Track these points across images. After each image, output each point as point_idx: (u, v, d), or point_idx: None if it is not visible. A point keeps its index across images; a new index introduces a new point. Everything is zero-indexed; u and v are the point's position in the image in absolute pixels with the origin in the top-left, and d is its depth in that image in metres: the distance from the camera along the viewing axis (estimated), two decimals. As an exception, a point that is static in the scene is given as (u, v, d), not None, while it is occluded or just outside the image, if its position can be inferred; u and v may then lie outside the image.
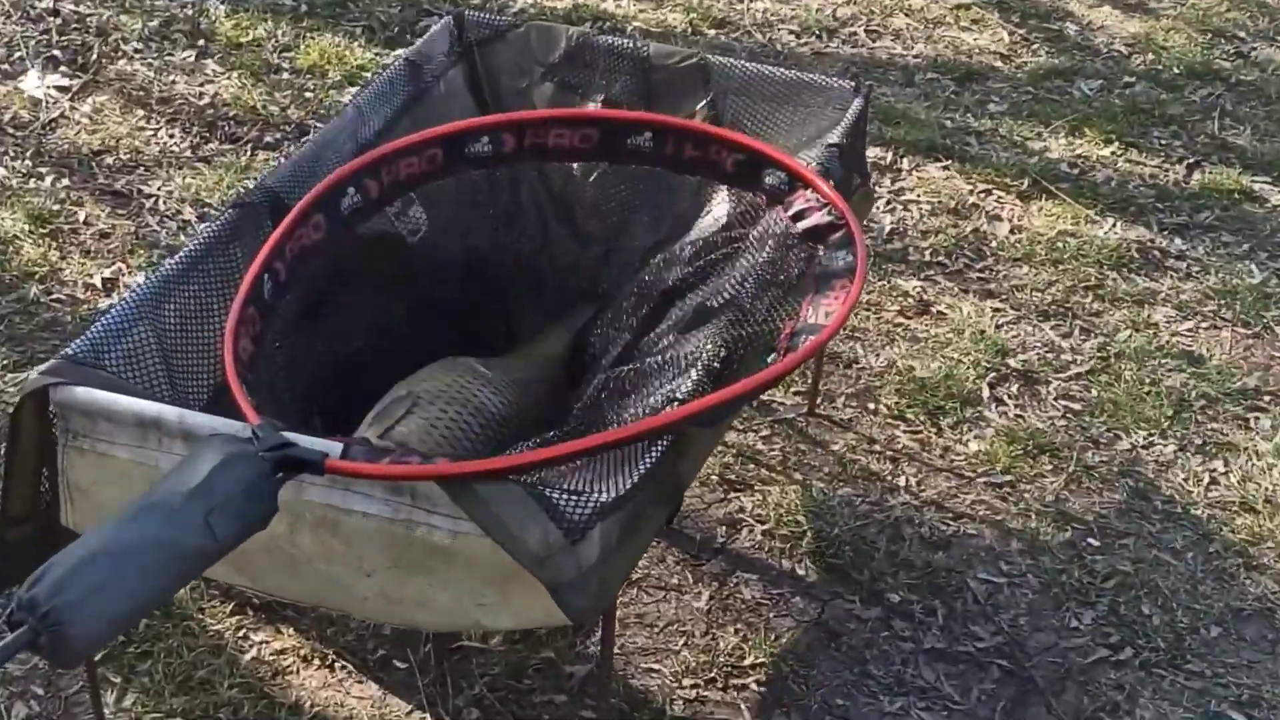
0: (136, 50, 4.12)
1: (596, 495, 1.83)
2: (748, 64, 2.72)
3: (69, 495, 1.97)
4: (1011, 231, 3.65)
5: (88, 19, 4.23)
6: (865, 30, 4.51)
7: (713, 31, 4.45)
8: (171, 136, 3.81)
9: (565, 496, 1.80)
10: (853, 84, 2.64)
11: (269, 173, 2.42)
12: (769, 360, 2.06)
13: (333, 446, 1.80)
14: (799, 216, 2.26)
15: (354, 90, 3.98)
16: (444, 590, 1.88)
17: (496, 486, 1.78)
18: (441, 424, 2.16)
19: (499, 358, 2.41)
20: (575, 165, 2.62)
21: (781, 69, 2.73)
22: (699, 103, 2.69)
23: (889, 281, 3.45)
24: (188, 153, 3.75)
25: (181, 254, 2.21)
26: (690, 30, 4.42)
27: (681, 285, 2.39)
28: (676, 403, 1.97)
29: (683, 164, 2.46)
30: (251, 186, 2.37)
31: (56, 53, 4.07)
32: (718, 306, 2.25)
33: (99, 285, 3.29)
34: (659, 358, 2.16)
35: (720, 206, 2.51)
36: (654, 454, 1.91)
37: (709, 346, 2.10)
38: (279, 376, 2.18)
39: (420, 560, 1.85)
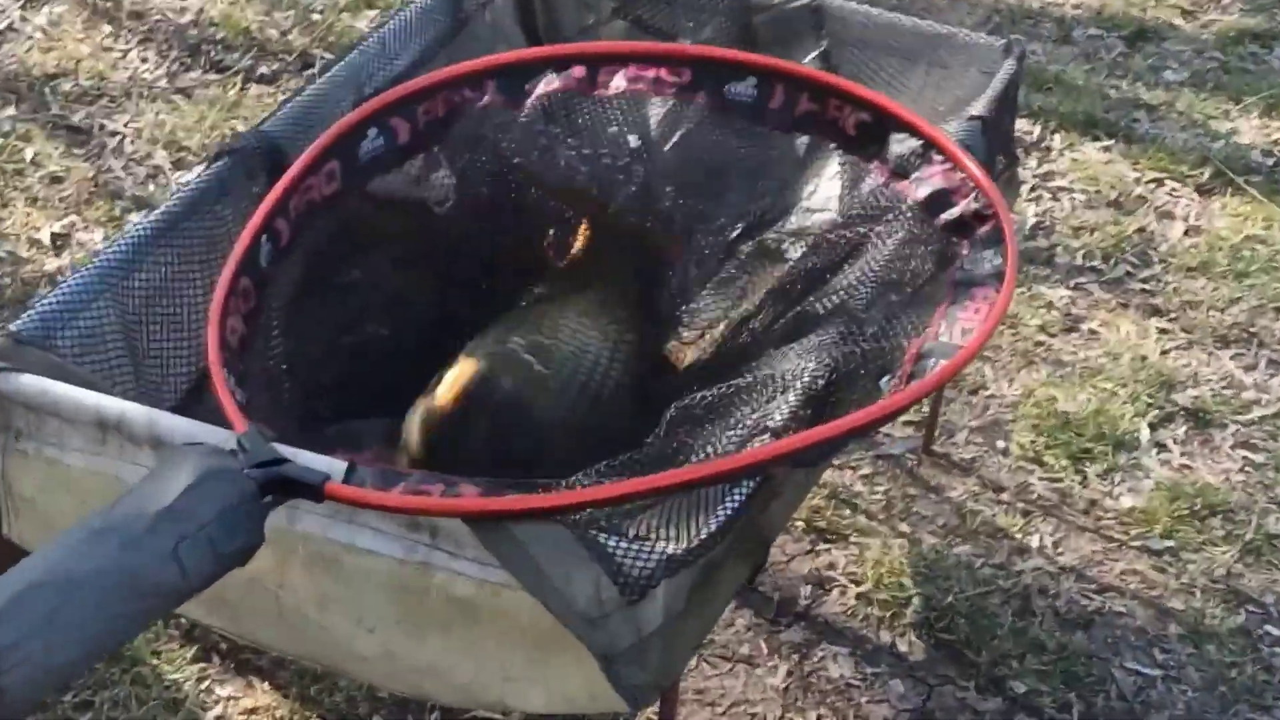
0: (107, -49, 4.15)
1: (662, 544, 1.81)
2: (872, 10, 2.71)
3: (11, 504, 1.97)
4: (1186, 233, 3.62)
5: (48, -91, 4.26)
6: (1014, -30, 4.49)
7: (825, -38, 4.43)
8: (144, 61, 3.83)
9: (624, 544, 1.78)
10: (1003, 43, 2.62)
11: (266, 116, 2.42)
12: (884, 385, 2.03)
13: (335, 466, 1.79)
14: (936, 201, 2.23)
15: (373, 15, 3.99)
16: (463, 656, 1.86)
17: (539, 528, 1.77)
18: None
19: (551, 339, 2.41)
20: (652, 124, 2.60)
21: (913, 18, 2.71)
22: (809, 54, 2.68)
23: (1030, 289, 3.43)
24: (163, 82, 3.77)
25: (156, 213, 2.21)
26: (798, -39, 4.40)
27: (779, 282, 2.37)
28: (768, 435, 1.95)
29: (793, 120, 2.44)
30: (242, 130, 2.37)
31: (8, -51, 4.11)
32: (824, 313, 2.22)
33: (46, 242, 3.31)
34: (748, 375, 2.14)
35: (831, 181, 2.49)
36: (737, 497, 1.89)
37: (811, 364, 2.07)
38: (277, 365, 2.17)
39: (436, 615, 1.84)
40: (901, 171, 2.30)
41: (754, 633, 2.70)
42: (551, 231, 2.46)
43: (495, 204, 2.45)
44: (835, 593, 2.78)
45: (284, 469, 1.74)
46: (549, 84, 2.38)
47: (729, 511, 1.88)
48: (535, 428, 2.16)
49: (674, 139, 2.59)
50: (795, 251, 2.39)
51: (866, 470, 2.99)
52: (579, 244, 2.45)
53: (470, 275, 2.49)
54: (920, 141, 2.30)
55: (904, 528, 2.89)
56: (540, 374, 2.27)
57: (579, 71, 2.40)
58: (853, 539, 2.86)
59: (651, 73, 2.41)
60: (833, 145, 2.41)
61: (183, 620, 2.49)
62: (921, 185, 2.27)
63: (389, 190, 2.36)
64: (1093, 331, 3.35)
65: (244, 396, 1.93)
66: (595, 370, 2.33)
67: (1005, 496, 2.99)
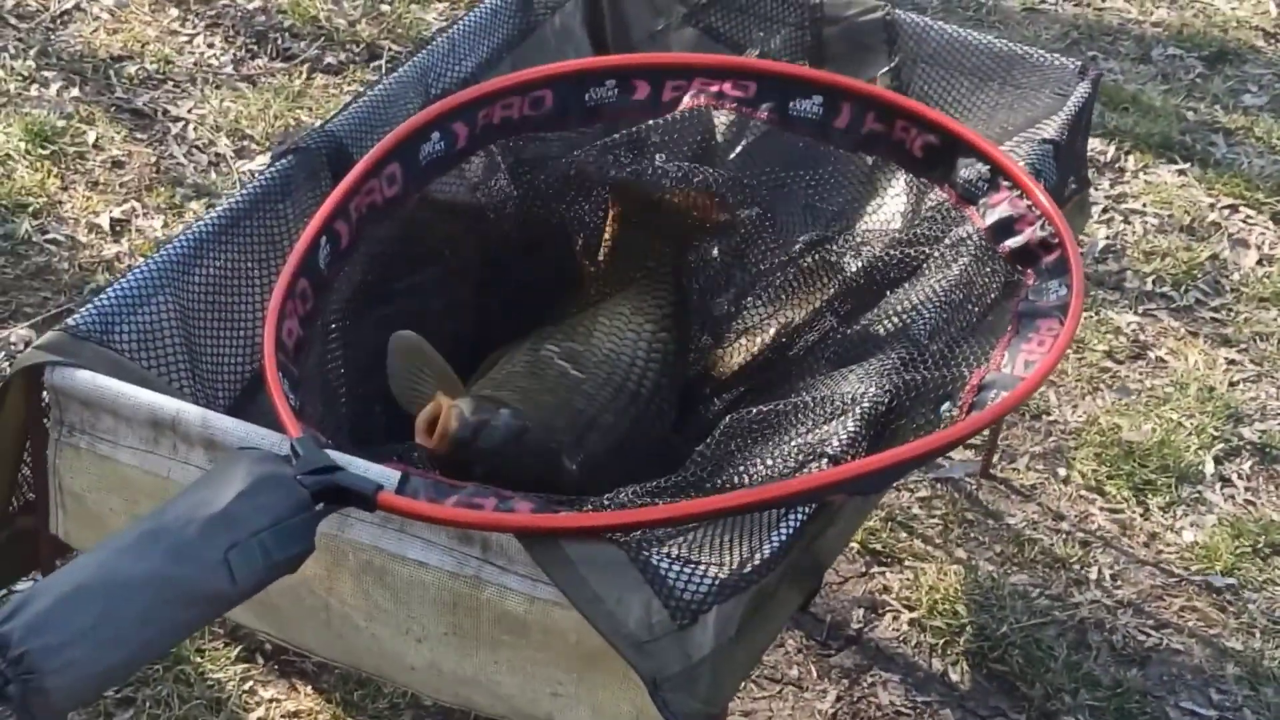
0: (177, -66, 4.18)
1: (715, 568, 1.82)
2: (945, 26, 2.70)
3: (60, 500, 1.99)
4: (1260, 262, 3.60)
5: (120, -110, 4.29)
6: (1094, -15, 4.48)
7: (900, -28, 4.43)
8: (210, 46, 3.85)
9: (676, 567, 1.78)
10: (1078, 65, 2.61)
11: (333, 115, 2.43)
12: (944, 414, 2.03)
13: (389, 475, 1.80)
14: (1002, 229, 2.23)
15: (442, 7, 4.01)
16: (511, 671, 1.87)
17: (592, 546, 1.77)
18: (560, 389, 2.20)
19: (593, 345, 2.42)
20: (719, 130, 2.60)
21: (989, 37, 2.71)
22: (880, 69, 2.68)
23: (1098, 313, 3.42)
24: (229, 68, 3.79)
25: (218, 209, 2.22)
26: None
27: (839, 302, 2.37)
28: (826, 459, 1.95)
29: (858, 139, 2.44)
30: (306, 120, 2.39)
31: (78, -71, 4.14)
32: (885, 335, 2.23)
33: (105, 227, 3.33)
34: (806, 395, 2.15)
35: (896, 201, 2.49)
36: (792, 522, 1.89)
37: (871, 389, 2.07)
38: (332, 370, 2.18)
39: (485, 630, 1.85)
40: (968, 195, 2.31)
41: (804, 655, 2.71)
42: (582, 236, 2.47)
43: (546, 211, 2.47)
44: (888, 618, 2.78)
45: (337, 477, 1.76)
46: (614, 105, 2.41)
47: (784, 537, 1.88)
48: (543, 454, 2.16)
49: (739, 148, 2.60)
50: (854, 266, 2.38)
51: (924, 493, 2.98)
52: (609, 239, 2.45)
53: (520, 281, 2.50)
54: (988, 166, 2.30)
55: (960, 553, 2.89)
56: (575, 379, 2.28)
57: (643, 91, 2.41)
58: (908, 563, 2.86)
59: (716, 87, 2.42)
60: (899, 167, 2.41)
61: (228, 621, 2.50)
62: (988, 210, 2.28)
63: (447, 195, 2.38)
64: (1160, 359, 3.34)
65: (298, 401, 1.94)
66: (631, 371, 2.33)
67: (1064, 525, 2.98)
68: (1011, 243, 2.22)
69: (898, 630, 2.76)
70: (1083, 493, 3.04)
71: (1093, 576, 2.89)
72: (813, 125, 2.45)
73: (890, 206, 2.50)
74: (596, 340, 2.39)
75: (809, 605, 2.08)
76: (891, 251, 2.38)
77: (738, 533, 1.88)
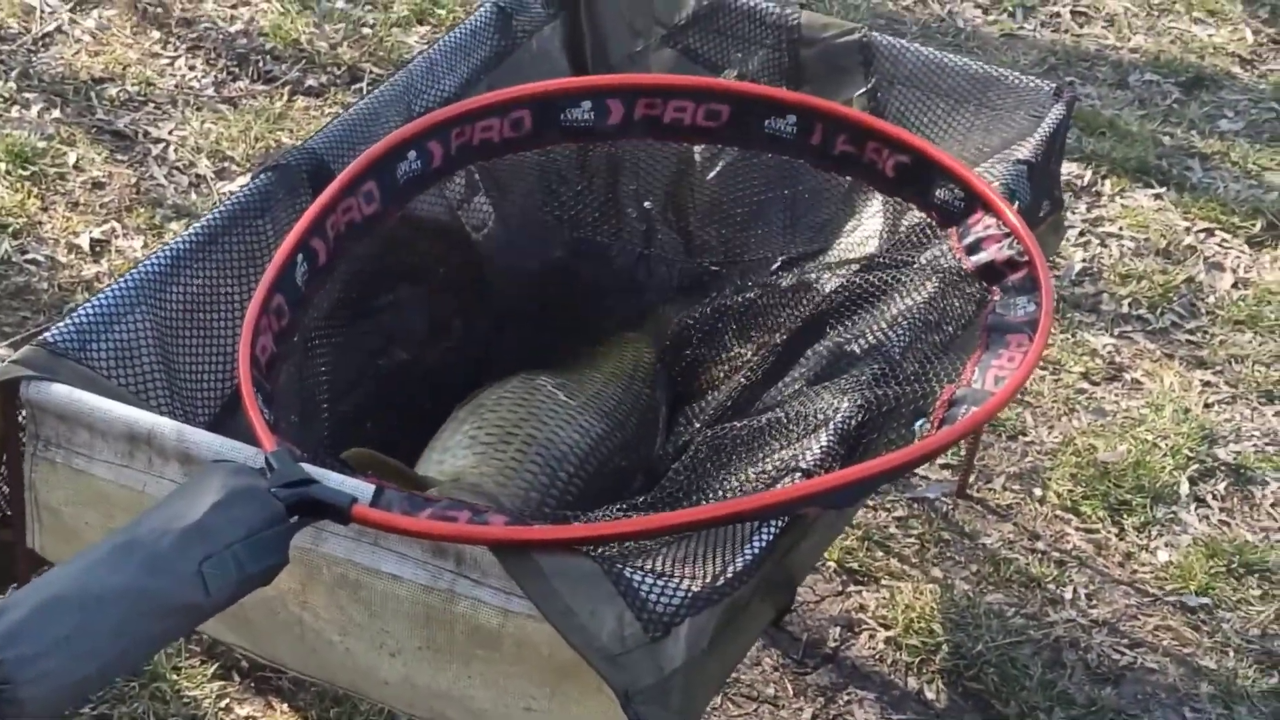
0: (159, -43, 4.19)
1: (687, 581, 1.82)
2: (922, 49, 2.71)
3: (36, 514, 1.99)
4: (1235, 285, 3.62)
5: (102, -87, 4.31)
6: (1071, 11, 4.50)
7: (879, -1, 4.46)
8: (192, 69, 3.86)
9: (650, 580, 1.79)
10: (1054, 86, 2.63)
11: (315, 133, 2.44)
12: (918, 429, 2.05)
13: (364, 489, 1.81)
14: (975, 246, 2.25)
15: (424, 30, 4.02)
16: (484, 685, 1.87)
17: (565, 559, 1.78)
18: (520, 474, 2.18)
19: (578, 374, 2.42)
20: (695, 152, 2.62)
21: (965, 59, 2.72)
22: (857, 90, 2.69)
23: (1074, 335, 3.43)
24: (210, 90, 3.80)
25: (196, 225, 2.23)
26: (851, -6, 4.43)
27: (815, 319, 2.38)
28: (799, 474, 1.96)
29: (831, 160, 2.46)
30: (287, 141, 2.39)
31: (60, -49, 4.15)
32: (859, 353, 2.24)
33: (85, 248, 3.34)
34: (780, 411, 2.16)
35: (873, 221, 2.51)
36: (765, 535, 1.90)
37: (844, 404, 2.09)
38: (311, 388, 2.19)
39: (459, 643, 1.85)
40: (941, 214, 2.32)
41: (780, 673, 2.71)
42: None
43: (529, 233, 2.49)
44: (864, 636, 2.78)
45: (312, 490, 1.76)
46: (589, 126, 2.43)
47: (756, 550, 1.89)
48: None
49: (717, 168, 2.62)
50: (830, 286, 2.40)
51: (901, 513, 2.99)
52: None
53: (504, 303, 2.52)
54: (959, 185, 2.31)
55: (936, 572, 2.90)
56: (565, 404, 2.29)
57: (617, 114, 2.42)
58: (884, 582, 2.87)
59: (689, 108, 2.44)
60: (872, 187, 2.43)
61: (204, 637, 2.51)
62: (961, 230, 2.29)
63: (428, 215, 2.39)
64: (1136, 381, 3.35)
65: (272, 415, 1.95)
66: (617, 395, 2.35)
67: (1040, 545, 2.99)
68: (983, 260, 2.24)
69: (874, 649, 2.77)
70: (1058, 513, 3.05)
71: (1068, 596, 2.90)
72: (789, 144, 2.46)
73: (868, 226, 2.51)
74: (583, 364, 2.42)
75: (782, 620, 2.09)
76: (869, 270, 2.39)
77: (711, 546, 1.88)
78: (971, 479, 3.06)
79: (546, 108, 2.40)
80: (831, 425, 2.05)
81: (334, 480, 1.80)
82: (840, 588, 2.85)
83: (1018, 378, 2.02)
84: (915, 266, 2.32)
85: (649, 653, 1.77)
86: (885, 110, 2.68)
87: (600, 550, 1.81)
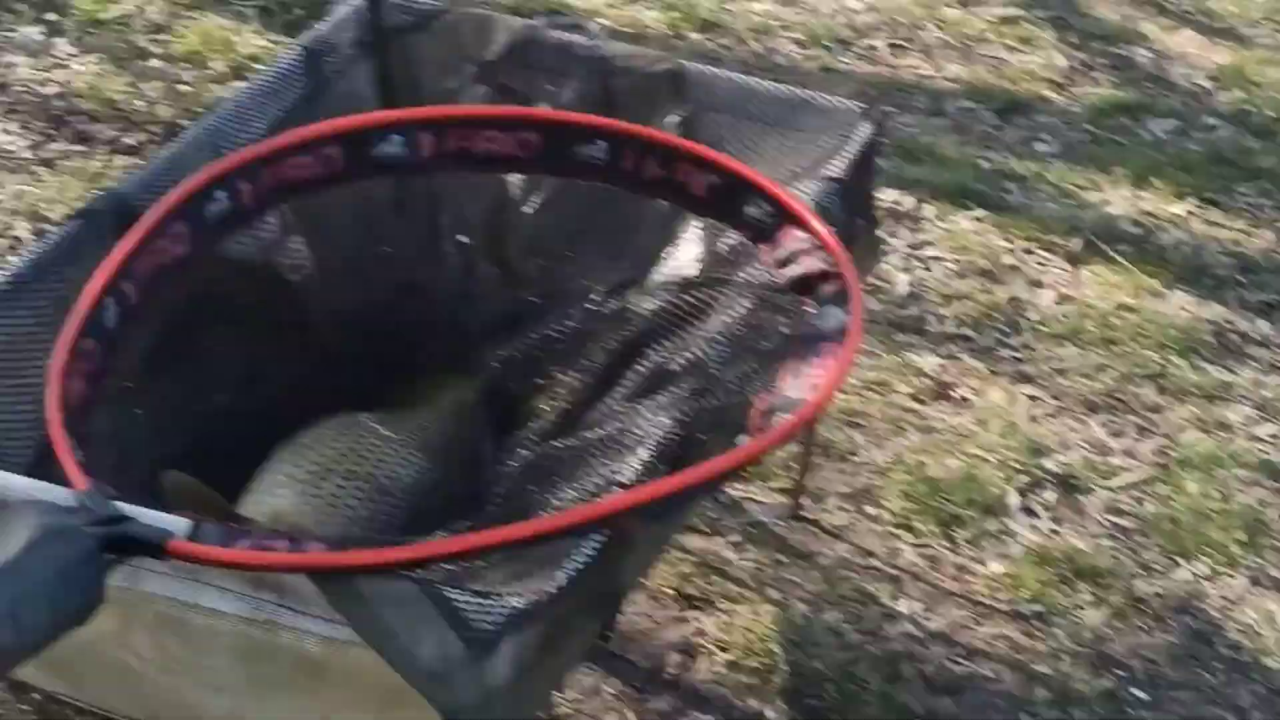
0: (-31, 22, 4.16)
1: (509, 599, 1.82)
2: (732, 75, 2.74)
3: None
4: (1057, 301, 3.68)
5: (-93, -21, 4.26)
6: (887, 44, 4.57)
7: (698, 36, 4.49)
8: (7, 132, 3.82)
9: (470, 599, 1.79)
10: (861, 107, 2.66)
11: (121, 179, 2.43)
12: (740, 443, 2.06)
13: (179, 524, 1.79)
14: (785, 261, 2.27)
15: (242, 86, 4.00)
16: (312, 714, 1.86)
17: (385, 584, 1.77)
18: (339, 510, 2.17)
19: (400, 411, 2.42)
20: (512, 188, 2.63)
21: (775, 84, 2.75)
22: (670, 119, 2.71)
23: (901, 357, 3.47)
24: (26, 153, 3.76)
25: (3, 275, 2.20)
26: (672, 33, 4.46)
27: (636, 341, 2.39)
28: (618, 489, 1.97)
29: (643, 184, 2.47)
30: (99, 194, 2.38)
31: None
32: (679, 370, 2.25)
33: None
34: (601, 430, 2.17)
35: (692, 244, 2.53)
36: (586, 551, 1.91)
37: (664, 420, 2.10)
38: (128, 431, 2.17)
39: (284, 674, 1.84)
40: (754, 231, 2.34)
41: (621, 701, 2.71)
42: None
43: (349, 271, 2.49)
44: (703, 660, 2.79)
45: (126, 527, 1.74)
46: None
47: (578, 566, 1.89)
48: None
49: (536, 200, 2.63)
50: (650, 308, 2.41)
51: (735, 537, 3.00)
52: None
53: (326, 343, 2.51)
54: (768, 201, 2.34)
55: (773, 594, 2.91)
56: (387, 438, 2.30)
57: (429, 147, 2.42)
58: (722, 605, 2.88)
59: (499, 138, 2.44)
60: (685, 207, 2.45)
61: (36, 695, 2.47)
62: (775, 246, 2.31)
63: (242, 255, 2.38)
64: (963, 398, 3.39)
65: (85, 457, 1.92)
66: (440, 428, 2.35)
67: (875, 562, 3.01)
68: (796, 273, 2.26)
69: (714, 672, 2.77)
70: (891, 529, 3.08)
71: (903, 610, 2.92)
72: (600, 170, 2.47)
73: (686, 248, 2.53)
74: (405, 400, 2.42)
75: (607, 635, 2.09)
76: (687, 290, 2.41)
77: (532, 564, 1.89)
78: (804, 500, 3.08)
79: (357, 142, 2.39)
80: (652, 441, 2.07)
81: (149, 516, 1.79)
82: (677, 613, 2.85)
83: (829, 384, 2.04)
84: (731, 284, 2.34)
85: (472, 672, 1.77)
86: (699, 137, 2.69)
87: (422, 573, 1.81)
